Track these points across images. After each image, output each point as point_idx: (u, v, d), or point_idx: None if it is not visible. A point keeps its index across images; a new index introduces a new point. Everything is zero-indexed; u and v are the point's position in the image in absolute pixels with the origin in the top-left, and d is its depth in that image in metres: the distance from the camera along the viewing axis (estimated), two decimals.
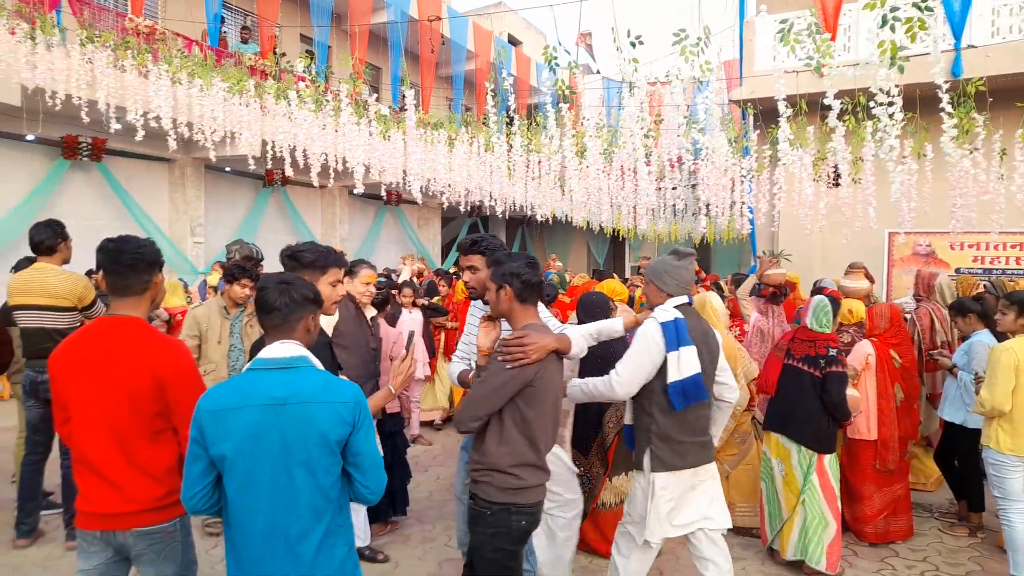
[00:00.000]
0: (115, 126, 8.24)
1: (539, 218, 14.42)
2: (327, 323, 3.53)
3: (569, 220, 15.97)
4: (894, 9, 3.85)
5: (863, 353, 4.94)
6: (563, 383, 2.96)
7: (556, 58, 5.86)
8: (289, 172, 9.49)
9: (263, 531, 2.13)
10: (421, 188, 9.21)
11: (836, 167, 6.73)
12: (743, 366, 4.88)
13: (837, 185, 7.07)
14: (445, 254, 19.69)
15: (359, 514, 4.23)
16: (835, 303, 4.52)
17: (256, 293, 2.29)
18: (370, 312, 4.54)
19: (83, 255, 4.95)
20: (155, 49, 8.84)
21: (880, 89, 4.64)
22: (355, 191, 8.86)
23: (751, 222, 8.28)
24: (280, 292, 2.23)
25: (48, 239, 4.46)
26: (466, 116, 12.51)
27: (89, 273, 6.34)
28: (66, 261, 4.57)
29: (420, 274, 10.50)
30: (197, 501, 2.18)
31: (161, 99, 8.23)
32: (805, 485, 4.28)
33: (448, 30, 15.52)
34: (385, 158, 9.74)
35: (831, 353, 4.22)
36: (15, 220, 9.84)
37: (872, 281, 6.47)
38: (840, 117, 5.15)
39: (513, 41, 21.68)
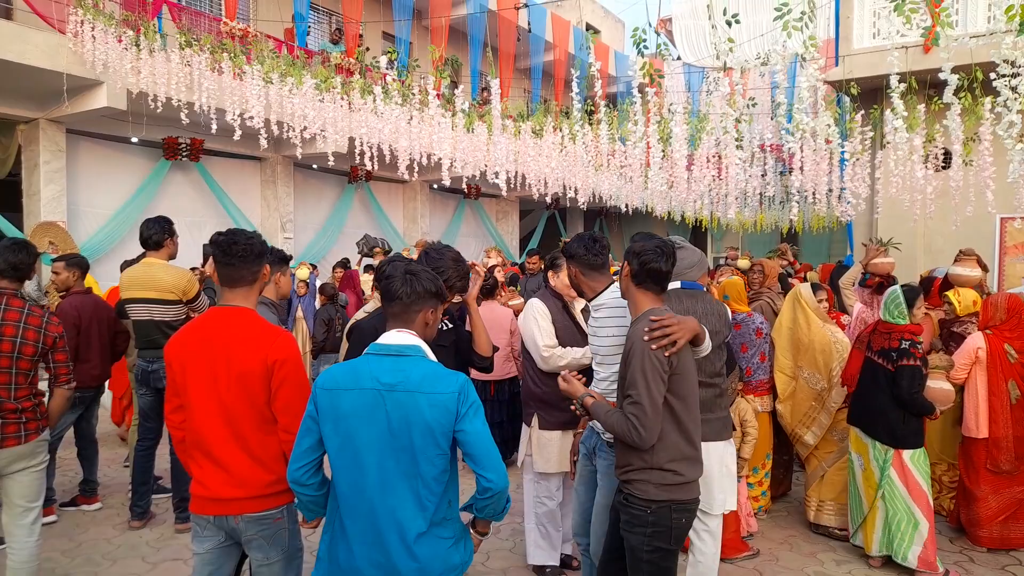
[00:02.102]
0: (213, 127, 8.59)
1: (620, 209, 14.21)
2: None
3: (649, 211, 15.67)
4: None
5: (973, 347, 4.64)
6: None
7: (645, 40, 5.69)
8: (372, 167, 9.63)
9: (366, 514, 2.17)
10: (500, 180, 9.18)
11: (945, 149, 6.30)
12: (839, 362, 4.65)
13: (946, 167, 6.62)
14: (523, 246, 19.69)
15: None
16: (912, 292, 4.25)
17: (382, 281, 2.31)
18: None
19: (184, 250, 5.16)
20: (249, 51, 9.14)
21: (1004, 60, 4.29)
22: (435, 185, 8.97)
23: (848, 207, 7.86)
24: (404, 282, 2.26)
25: (156, 235, 4.66)
26: (545, 107, 12.42)
27: (193, 268, 6.62)
28: (172, 256, 4.77)
29: (502, 266, 10.51)
30: (301, 474, 2.26)
31: (254, 99, 8.51)
32: (883, 480, 4.16)
33: (526, 21, 15.45)
34: (468, 151, 9.77)
35: (903, 346, 4.06)
36: (122, 218, 10.42)
37: (986, 269, 6.04)
38: (956, 93, 4.79)
39: (591, 29, 21.39)
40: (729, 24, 5.13)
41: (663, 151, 7.53)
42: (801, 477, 5.31)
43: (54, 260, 5.34)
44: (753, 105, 6.73)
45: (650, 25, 6.03)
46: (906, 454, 4.12)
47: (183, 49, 8.59)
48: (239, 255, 2.57)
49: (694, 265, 3.36)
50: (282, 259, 3.90)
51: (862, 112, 6.73)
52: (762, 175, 9.41)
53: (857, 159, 6.74)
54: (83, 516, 4.97)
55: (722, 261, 14.41)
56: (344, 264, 9.99)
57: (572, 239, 3.16)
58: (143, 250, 4.75)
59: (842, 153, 7.18)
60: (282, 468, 2.51)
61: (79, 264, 5.11)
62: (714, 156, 7.62)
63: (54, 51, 8.29)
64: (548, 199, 12.61)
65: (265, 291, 3.46)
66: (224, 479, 2.49)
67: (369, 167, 9.63)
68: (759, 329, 4.92)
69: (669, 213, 14.79)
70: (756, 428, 4.59)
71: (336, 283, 9.27)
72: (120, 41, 8.37)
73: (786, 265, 9.19)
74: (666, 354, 2.51)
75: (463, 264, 3.10)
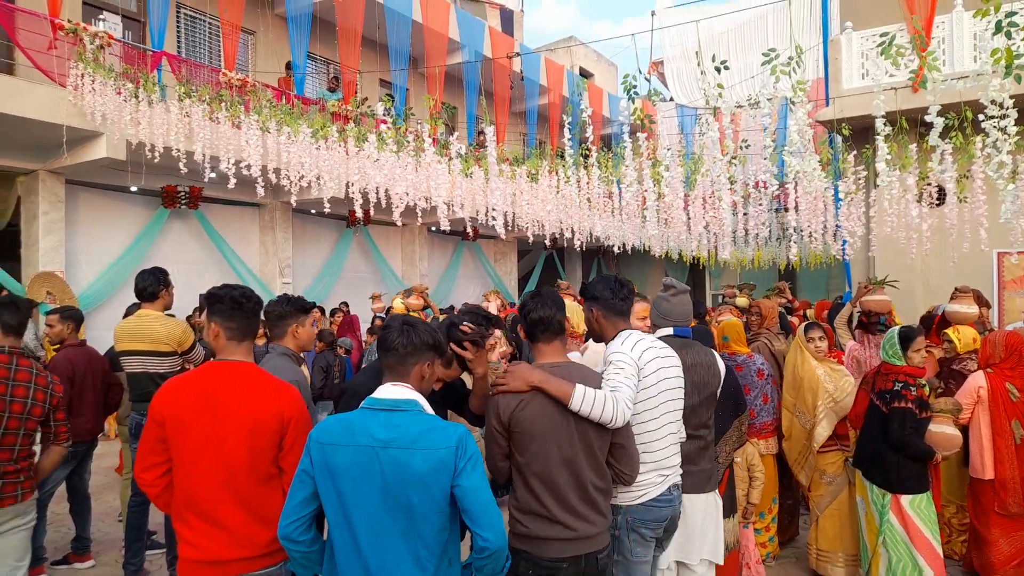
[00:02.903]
0: (210, 175, 8.66)
1: (616, 248, 14.26)
2: None
3: (647, 249, 15.73)
4: (1010, 15, 3.58)
5: (974, 386, 4.60)
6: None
7: (635, 87, 5.78)
8: (369, 212, 9.70)
9: (362, 574, 2.10)
10: (498, 223, 9.23)
11: (940, 187, 6.33)
12: (826, 400, 4.61)
13: (941, 204, 6.65)
14: (521, 287, 19.71)
15: None
16: (908, 333, 4.21)
17: (381, 332, 2.30)
18: None
19: (184, 297, 5.16)
20: (246, 100, 9.27)
21: (992, 101, 4.33)
22: (434, 228, 9.02)
23: (843, 246, 7.89)
24: (400, 333, 2.24)
25: (151, 286, 4.63)
26: (540, 150, 12.57)
27: (188, 317, 6.59)
28: (168, 307, 4.74)
29: (501, 308, 10.48)
30: (292, 529, 2.19)
31: (252, 147, 8.60)
32: (882, 525, 4.07)
33: (520, 66, 15.73)
34: (465, 195, 9.85)
35: (896, 388, 4.01)
36: (121, 267, 10.44)
37: (987, 306, 6.02)
38: (944, 134, 4.83)
39: (584, 74, 21.77)
40: (718, 70, 5.21)
41: (658, 192, 7.59)
42: (808, 520, 5.21)
43: (48, 313, 5.32)
44: (746, 147, 6.81)
45: (640, 72, 6.12)
46: (905, 499, 4.01)
47: (182, 100, 8.72)
48: (252, 310, 2.57)
49: (680, 314, 3.29)
50: (302, 308, 3.47)
51: (854, 152, 6.79)
52: (758, 213, 9.47)
53: (852, 198, 6.78)
54: (76, 574, 4.86)
55: (720, 299, 14.43)
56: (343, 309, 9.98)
57: (594, 280, 2.97)
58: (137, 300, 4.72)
59: (836, 191, 7.23)
60: None
61: (73, 317, 5.08)
62: (710, 195, 7.67)
63: (54, 104, 8.41)
64: (546, 240, 12.66)
65: (284, 341, 3.39)
66: (224, 539, 2.40)
67: (365, 212, 9.69)
68: (760, 370, 4.88)
69: (667, 252, 14.84)
70: (763, 472, 4.52)
71: (335, 328, 9.23)
72: (119, 93, 8.50)
73: (785, 303, 9.17)
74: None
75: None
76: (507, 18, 20.42)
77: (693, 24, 13.19)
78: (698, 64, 5.49)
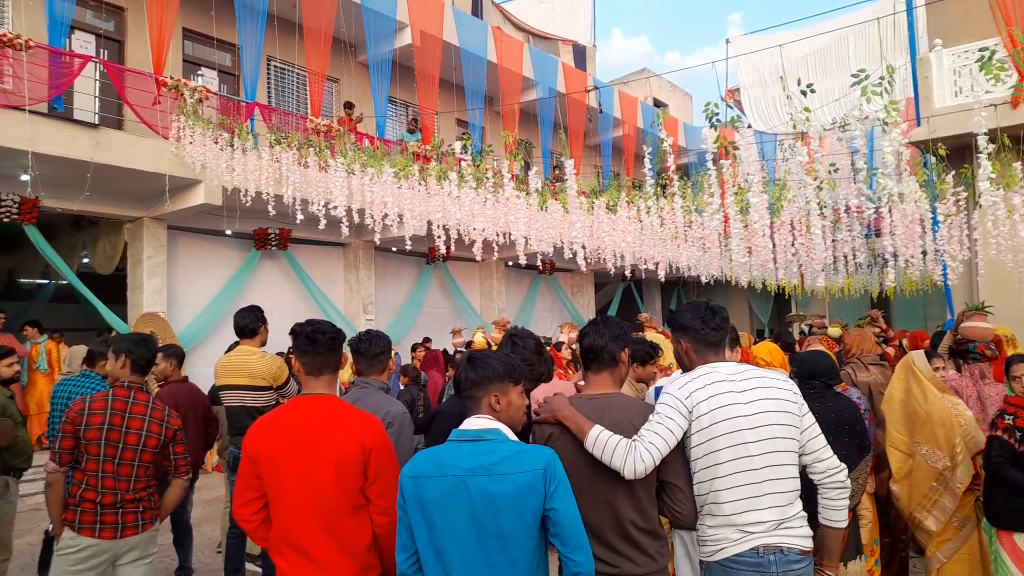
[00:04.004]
0: (299, 217, 9.05)
1: (699, 279, 14.00)
2: None
3: (729, 279, 15.37)
4: None
5: None
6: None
7: (717, 114, 5.71)
8: (450, 248, 9.90)
9: None
10: (578, 255, 9.23)
11: None
12: (963, 436, 4.29)
13: None
14: None
15: None
16: (1012, 358, 3.97)
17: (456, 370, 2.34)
18: None
19: (273, 334, 5.34)
20: (332, 145, 9.67)
21: None
22: (511, 263, 9.11)
23: (944, 271, 7.47)
24: (469, 369, 2.29)
25: (250, 323, 4.84)
26: (615, 182, 12.56)
27: (280, 353, 6.83)
28: (264, 343, 4.93)
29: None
30: (408, 566, 2.23)
31: (338, 189, 8.94)
32: (995, 561, 3.83)
33: (595, 100, 15.85)
34: (542, 229, 9.92)
35: (995, 416, 3.87)
36: (216, 306, 10.97)
37: None
38: None
39: (658, 104, 21.72)
40: (804, 94, 5.08)
41: (743, 221, 7.42)
42: (919, 564, 4.87)
43: None
44: (835, 171, 6.59)
45: (722, 99, 6.05)
46: (1020, 538, 3.73)
47: (272, 147, 9.18)
48: (327, 345, 2.63)
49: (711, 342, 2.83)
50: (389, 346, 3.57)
51: (952, 172, 6.48)
52: (850, 239, 9.13)
53: (951, 220, 6.44)
54: None
55: (806, 329, 13.86)
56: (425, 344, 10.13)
57: (682, 308, 2.73)
58: (237, 337, 4.93)
59: (934, 214, 6.89)
60: (370, 556, 2.49)
61: (176, 354, 5.35)
62: (798, 222, 7.44)
63: (158, 155, 9.01)
64: (627, 272, 12.55)
65: (382, 376, 3.43)
66: (313, 571, 2.45)
67: (445, 249, 9.89)
68: (857, 403, 4.63)
69: (750, 282, 14.44)
70: (870, 511, 4.27)
71: (418, 363, 9.37)
72: (216, 143, 9.03)
73: (878, 332, 8.73)
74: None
75: (542, 354, 3.10)
76: (580, 54, 20.66)
77: (768, 51, 12.99)
78: (783, 89, 5.39)
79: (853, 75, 4.70)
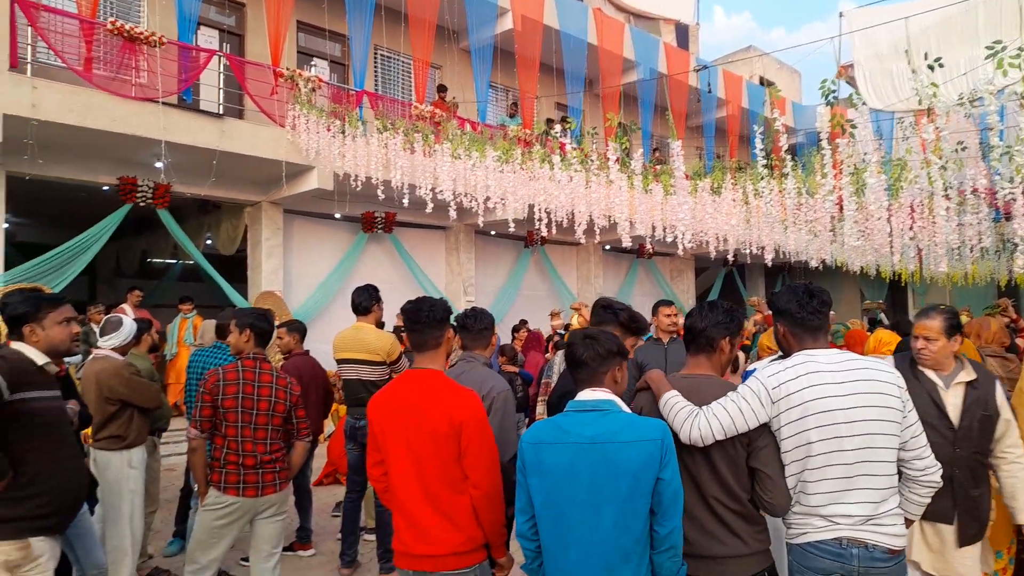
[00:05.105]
0: (405, 201, 9.36)
1: (806, 264, 13.47)
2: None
3: (839, 265, 14.70)
4: None
5: None
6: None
7: (834, 91, 5.47)
8: (544, 232, 9.98)
9: (572, 567, 2.21)
10: (684, 238, 9.09)
11: None
12: None
13: None
14: None
15: None
16: None
17: (567, 348, 2.41)
18: None
19: None
20: (437, 131, 9.92)
21: None
22: (608, 246, 9.07)
23: None
24: (586, 347, 2.36)
25: (365, 301, 5.11)
26: (720, 163, 12.23)
27: (396, 330, 7.14)
28: (378, 321, 5.19)
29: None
30: (526, 529, 2.35)
31: (443, 174, 9.18)
32: None
33: (697, 80, 15.45)
34: (645, 212, 9.83)
35: None
36: (327, 286, 11.53)
37: None
38: None
39: (764, 83, 20.90)
40: (932, 68, 4.80)
41: (857, 203, 7.08)
42: None
43: (277, 326, 5.99)
44: (963, 149, 6.18)
45: (840, 76, 5.78)
46: None
47: (380, 133, 9.51)
48: (424, 322, 2.76)
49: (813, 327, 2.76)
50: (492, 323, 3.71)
51: None
52: (977, 222, 8.54)
53: None
54: (299, 561, 5.40)
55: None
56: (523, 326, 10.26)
57: (782, 291, 2.69)
58: (345, 314, 5.19)
59: None
60: (472, 527, 2.60)
61: (299, 329, 5.69)
62: (918, 204, 7.02)
63: (276, 143, 9.52)
64: (730, 255, 12.24)
65: (486, 352, 3.56)
66: (416, 536, 2.60)
67: (545, 232, 9.97)
68: None
69: (863, 268, 13.75)
70: (993, 509, 4.04)
71: (520, 344, 9.52)
72: (329, 130, 9.45)
73: (1009, 322, 8.16)
74: None
75: (637, 321, 3.40)
76: (682, 33, 20.14)
77: (887, 24, 12.24)
78: (908, 63, 5.09)
79: (988, 47, 4.39)
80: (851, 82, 18.91)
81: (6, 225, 8.59)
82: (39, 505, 2.78)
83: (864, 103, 6.67)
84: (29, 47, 8.16)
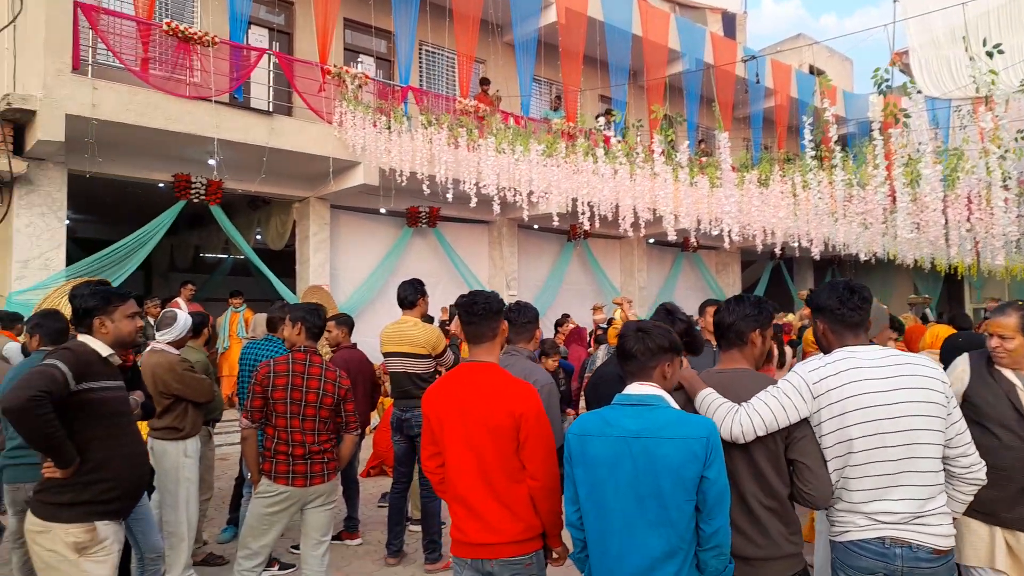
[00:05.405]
0: (448, 195, 9.44)
1: (857, 257, 13.14)
2: None
3: (892, 257, 14.30)
4: None
5: None
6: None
7: (887, 80, 5.32)
8: (588, 225, 9.94)
9: (614, 559, 2.23)
10: (732, 231, 8.95)
11: None
12: None
13: None
14: None
15: None
16: None
17: (619, 339, 2.42)
18: None
19: None
20: (481, 125, 9.97)
21: None
22: (652, 240, 8.99)
23: None
24: (636, 340, 2.35)
25: (410, 295, 5.18)
26: (767, 155, 11.98)
27: (441, 324, 7.21)
28: (424, 314, 5.26)
29: None
30: (575, 519, 2.39)
31: (488, 168, 9.22)
32: None
33: (744, 70, 15.16)
34: (690, 204, 9.72)
35: None
36: (373, 280, 11.71)
37: None
38: None
39: (814, 72, 20.40)
40: (991, 55, 4.63)
41: (911, 194, 6.87)
42: None
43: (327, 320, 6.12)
44: (1023, 138, 5.95)
45: (894, 64, 5.62)
46: None
47: (425, 128, 9.60)
48: (479, 314, 2.79)
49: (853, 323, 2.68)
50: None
51: None
52: None
53: None
54: (347, 550, 5.52)
55: (983, 314, 12.63)
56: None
57: (821, 287, 2.67)
58: (390, 308, 5.27)
59: None
60: (531, 516, 2.64)
61: (346, 322, 5.81)
62: (975, 195, 6.78)
63: (323, 139, 9.70)
64: (778, 249, 12.02)
65: (529, 345, 3.63)
66: (478, 526, 2.64)
67: (589, 226, 9.93)
68: None
69: (916, 261, 13.35)
70: None
71: (562, 338, 9.53)
72: (375, 126, 9.57)
73: None
74: None
75: (692, 335, 3.21)
76: (729, 22, 19.79)
77: (944, 10, 11.82)
78: (965, 49, 4.91)
79: None
80: (905, 69, 18.34)
81: (67, 222, 8.93)
82: (104, 491, 2.91)
83: (919, 91, 6.47)
84: (89, 49, 8.46)
